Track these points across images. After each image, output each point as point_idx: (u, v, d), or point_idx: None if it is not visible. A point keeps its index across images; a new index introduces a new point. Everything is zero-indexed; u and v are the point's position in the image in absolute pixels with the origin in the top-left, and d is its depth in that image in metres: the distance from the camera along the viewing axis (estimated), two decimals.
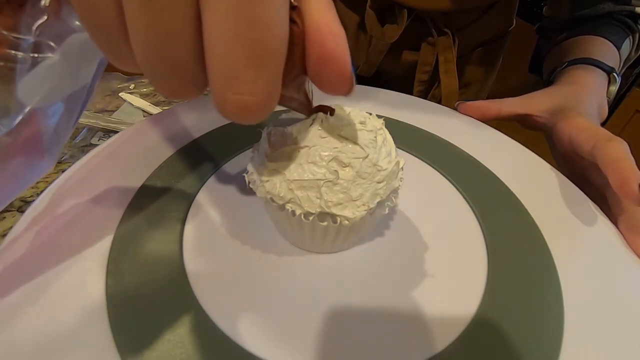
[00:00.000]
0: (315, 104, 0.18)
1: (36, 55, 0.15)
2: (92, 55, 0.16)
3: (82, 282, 0.19)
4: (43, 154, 0.16)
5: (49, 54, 0.15)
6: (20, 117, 0.15)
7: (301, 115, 0.19)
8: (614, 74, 0.37)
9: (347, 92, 0.13)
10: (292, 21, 0.11)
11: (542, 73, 0.47)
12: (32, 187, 0.31)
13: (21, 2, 0.14)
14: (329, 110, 0.19)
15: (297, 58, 0.12)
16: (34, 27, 0.14)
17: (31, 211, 0.22)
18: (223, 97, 0.11)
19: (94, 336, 0.17)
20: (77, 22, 0.15)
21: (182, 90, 0.12)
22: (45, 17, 0.14)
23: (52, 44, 0.15)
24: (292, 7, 0.11)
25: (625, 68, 0.44)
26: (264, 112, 0.12)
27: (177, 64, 0.11)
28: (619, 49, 0.40)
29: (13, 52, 0.14)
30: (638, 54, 0.45)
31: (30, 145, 0.16)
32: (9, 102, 0.15)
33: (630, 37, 0.42)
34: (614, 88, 0.38)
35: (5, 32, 0.14)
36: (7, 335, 0.17)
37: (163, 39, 0.10)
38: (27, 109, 0.15)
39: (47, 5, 0.14)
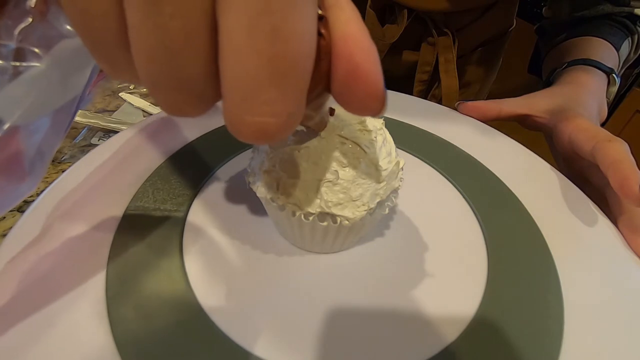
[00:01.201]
0: None
1: (18, 63, 0.12)
2: (85, 64, 0.14)
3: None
4: (24, 176, 0.14)
5: (34, 63, 0.13)
6: None
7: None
8: (614, 75, 0.37)
9: (377, 112, 0.11)
10: (318, 33, 0.10)
11: (541, 74, 0.47)
12: None
13: (1, 2, 0.12)
14: (329, 111, 0.19)
15: (322, 74, 0.11)
16: (16, 31, 0.12)
17: (32, 210, 0.22)
18: (239, 119, 0.10)
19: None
20: (67, 27, 0.13)
21: (187, 107, 0.11)
22: (30, 20, 0.12)
23: (37, 50, 0.13)
24: (319, 18, 0.11)
25: (624, 69, 0.44)
26: (284, 135, 0.10)
27: (184, 78, 0.10)
28: (618, 50, 0.40)
29: None
30: (637, 55, 0.45)
31: (9, 167, 0.14)
32: None
33: (629, 38, 0.42)
34: (614, 89, 0.38)
35: None
36: None
37: (170, 49, 0.09)
38: (5, 126, 0.13)
39: (33, 6, 0.13)
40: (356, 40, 0.11)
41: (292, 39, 0.09)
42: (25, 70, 0.13)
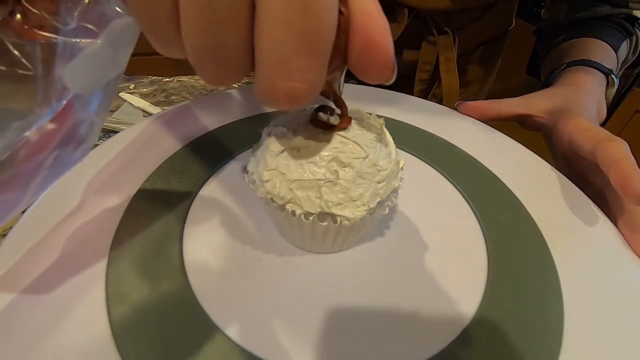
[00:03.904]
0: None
1: (77, 40, 0.14)
2: (129, 43, 0.16)
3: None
4: (78, 144, 0.16)
5: (90, 40, 0.14)
6: (63, 104, 0.15)
7: (322, 100, 0.18)
8: (612, 76, 0.37)
9: (388, 80, 0.13)
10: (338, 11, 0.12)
11: (539, 75, 0.47)
12: None
13: None
14: (329, 111, 0.19)
15: (341, 47, 0.12)
16: (76, 12, 0.14)
17: (32, 210, 0.22)
18: (272, 84, 0.11)
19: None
20: (115, 7, 0.14)
21: (226, 76, 0.12)
22: (86, 1, 0.14)
23: (94, 28, 0.14)
24: None
25: (622, 70, 0.44)
26: (309, 99, 0.12)
27: (226, 50, 0.11)
28: (616, 51, 0.40)
29: (55, 36, 0.14)
30: (635, 56, 0.45)
31: (67, 135, 0.15)
32: (49, 89, 0.14)
33: (628, 39, 0.42)
34: (612, 90, 0.38)
35: (47, 16, 0.14)
36: None
37: (216, 24, 0.11)
38: (69, 95, 0.15)
39: None
40: (372, 17, 0.12)
41: (319, 14, 0.11)
42: (82, 46, 0.14)
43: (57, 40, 0.14)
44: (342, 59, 0.13)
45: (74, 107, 0.15)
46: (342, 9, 0.12)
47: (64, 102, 0.14)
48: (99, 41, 0.14)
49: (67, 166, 0.16)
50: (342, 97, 0.18)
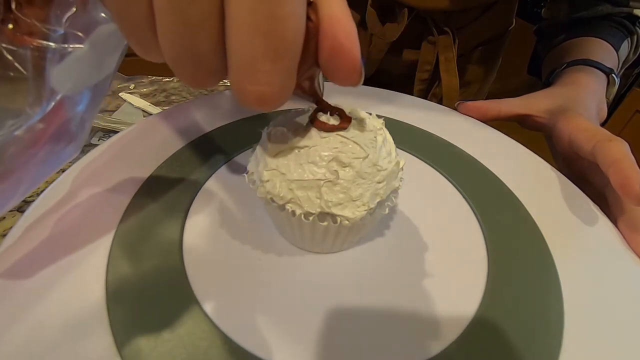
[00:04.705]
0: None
1: (65, 45, 0.15)
2: (116, 47, 0.17)
3: (81, 286, 0.19)
4: (70, 140, 0.17)
5: (78, 45, 0.15)
6: (52, 104, 0.16)
7: (308, 104, 0.19)
8: (613, 75, 0.37)
9: (356, 83, 0.14)
10: (307, 17, 0.12)
11: (540, 75, 0.47)
12: None
13: None
14: (329, 111, 0.19)
15: (311, 51, 0.13)
16: (64, 19, 0.15)
17: (32, 210, 0.22)
18: (242, 87, 0.12)
19: (94, 340, 0.17)
20: (102, 14, 0.15)
21: (202, 79, 0.13)
22: (74, 9, 0.15)
23: (80, 34, 0.15)
24: (308, 3, 0.12)
25: (623, 69, 0.44)
26: (280, 102, 0.12)
27: (199, 54, 0.12)
28: (617, 50, 0.40)
29: (45, 42, 0.15)
30: (636, 56, 0.45)
31: (59, 132, 0.17)
32: (41, 90, 0.15)
33: (629, 38, 0.42)
34: (613, 89, 0.38)
35: (37, 24, 0.15)
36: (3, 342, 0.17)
37: (188, 30, 0.11)
38: (58, 97, 0.16)
39: None
40: (339, 22, 0.12)
41: (284, 19, 0.11)
42: (71, 51, 0.15)
43: (47, 46, 0.15)
44: (315, 62, 0.13)
45: (64, 106, 0.16)
46: (311, 15, 0.12)
47: (54, 102, 0.16)
48: (84, 47, 0.15)
49: (60, 161, 0.17)
50: (344, 97, 0.18)
